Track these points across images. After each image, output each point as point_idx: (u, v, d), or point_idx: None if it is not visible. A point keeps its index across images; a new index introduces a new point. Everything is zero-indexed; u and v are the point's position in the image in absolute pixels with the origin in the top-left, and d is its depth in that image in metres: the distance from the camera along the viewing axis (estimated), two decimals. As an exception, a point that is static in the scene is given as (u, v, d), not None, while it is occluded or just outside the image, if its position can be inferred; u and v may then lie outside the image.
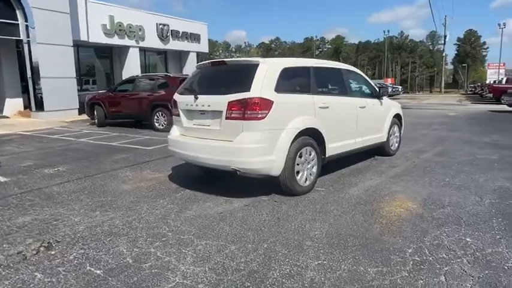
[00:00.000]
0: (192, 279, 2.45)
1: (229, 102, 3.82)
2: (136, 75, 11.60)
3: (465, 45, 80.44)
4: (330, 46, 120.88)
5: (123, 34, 17.12)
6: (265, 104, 3.75)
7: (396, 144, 6.47)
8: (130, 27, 17.40)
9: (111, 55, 18.36)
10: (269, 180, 4.14)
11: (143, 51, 19.08)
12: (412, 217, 3.50)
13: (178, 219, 3.55)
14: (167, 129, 9.85)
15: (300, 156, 4.11)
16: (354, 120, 5.03)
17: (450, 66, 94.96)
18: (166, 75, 10.92)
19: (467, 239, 2.98)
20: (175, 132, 4.63)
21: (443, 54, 43.76)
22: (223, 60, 4.34)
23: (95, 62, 18.29)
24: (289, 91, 4.07)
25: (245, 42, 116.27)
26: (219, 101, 3.94)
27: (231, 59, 4.34)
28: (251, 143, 3.75)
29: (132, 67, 17.78)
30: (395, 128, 6.36)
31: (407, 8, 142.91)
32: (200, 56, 22.96)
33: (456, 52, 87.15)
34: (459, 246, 2.86)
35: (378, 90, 5.81)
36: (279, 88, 3.92)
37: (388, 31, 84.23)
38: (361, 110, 5.19)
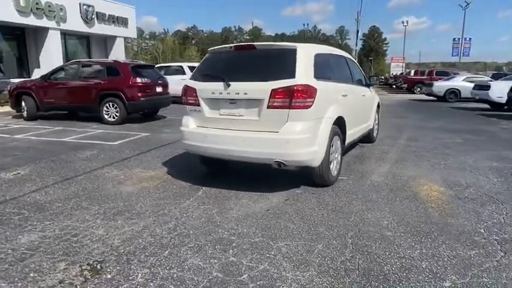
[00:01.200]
0: (312, 286, 2.18)
1: (272, 90, 3.48)
2: (77, 61, 10.05)
3: (370, 40, 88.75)
4: (248, 37, 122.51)
5: (41, 14, 14.68)
6: (311, 92, 3.53)
7: (376, 132, 6.80)
8: (49, 6, 14.99)
9: (24, 37, 15.67)
10: (282, 172, 4.10)
11: (64, 34, 16.71)
12: (451, 199, 3.67)
13: (228, 221, 3.16)
14: (119, 122, 8.90)
15: (332, 146, 4.00)
16: (361, 108, 5.10)
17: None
18: (115, 61, 9.71)
19: (514, 215, 3.24)
20: (191, 124, 4.10)
21: (356, 49, 47.59)
22: (251, 45, 3.92)
23: (2, 45, 15.41)
24: (322, 78, 3.89)
25: (164, 29, 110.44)
26: (259, 89, 3.58)
27: (260, 43, 3.92)
28: (299, 134, 3.50)
29: (52, 52, 15.45)
30: (377, 116, 6.67)
31: (317, 3, 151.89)
32: (128, 41, 21.06)
33: (362, 46, 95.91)
34: (514, 222, 3.09)
35: (368, 79, 5.99)
36: (316, 75, 3.73)
37: (308, 24, 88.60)
38: (362, 98, 5.29)
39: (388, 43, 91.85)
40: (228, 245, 2.72)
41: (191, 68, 15.09)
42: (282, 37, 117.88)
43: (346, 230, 2.96)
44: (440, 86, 17.45)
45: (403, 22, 49.17)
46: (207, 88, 3.91)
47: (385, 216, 3.25)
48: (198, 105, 3.98)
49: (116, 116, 8.95)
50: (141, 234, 2.92)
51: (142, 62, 11.33)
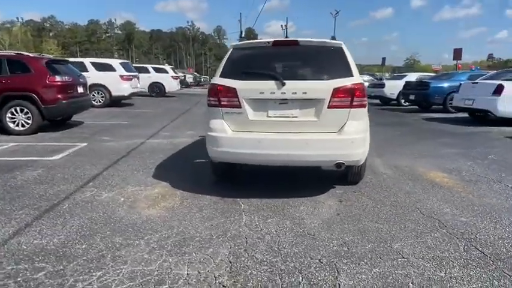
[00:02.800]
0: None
1: (334, 89, 3.31)
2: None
3: (247, 40, 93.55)
4: (120, 31, 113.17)
5: None
6: (365, 90, 3.51)
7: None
8: None
9: None
10: (302, 174, 4.20)
11: None
12: (477, 185, 4.11)
13: (316, 231, 2.89)
14: (32, 131, 7.09)
15: None
16: None
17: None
18: (20, 54, 7.64)
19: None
20: (227, 128, 3.56)
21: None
22: (295, 40, 3.61)
23: None
24: None
25: (18, 18, 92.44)
26: (320, 88, 3.36)
27: (304, 39, 3.60)
28: (360, 133, 3.42)
29: None
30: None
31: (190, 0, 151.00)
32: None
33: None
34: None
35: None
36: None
37: (192, 21, 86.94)
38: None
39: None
40: (354, 257, 2.49)
41: (96, 65, 13.16)
42: (158, 33, 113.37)
43: (428, 218, 3.12)
44: None
45: (281, 26, 52.73)
46: (253, 87, 3.47)
47: (438, 201, 3.56)
48: (239, 107, 3.48)
49: (27, 123, 7.13)
50: (243, 262, 2.42)
51: (52, 57, 9.24)
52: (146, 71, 18.99)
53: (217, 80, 3.62)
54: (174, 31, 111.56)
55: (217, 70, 3.75)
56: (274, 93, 3.41)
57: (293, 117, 3.45)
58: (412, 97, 12.94)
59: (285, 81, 3.38)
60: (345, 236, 2.82)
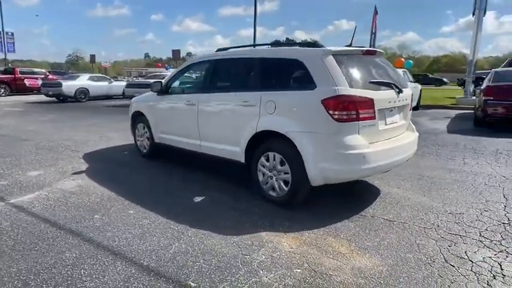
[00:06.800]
0: None
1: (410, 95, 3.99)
2: None
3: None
4: None
5: None
6: None
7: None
8: None
9: None
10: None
11: None
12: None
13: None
14: None
15: None
16: None
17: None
18: None
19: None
20: (366, 143, 3.27)
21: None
22: (375, 50, 3.95)
23: None
24: None
25: None
26: (409, 93, 3.93)
27: (376, 49, 3.98)
28: None
29: None
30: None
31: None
32: None
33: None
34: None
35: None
36: None
37: None
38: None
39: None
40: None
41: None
42: None
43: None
44: (71, 85, 16.66)
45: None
46: (384, 97, 3.49)
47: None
48: (374, 118, 3.34)
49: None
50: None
51: None
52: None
53: (350, 91, 3.20)
54: None
55: (333, 79, 3.21)
56: (395, 102, 3.63)
57: (395, 122, 3.73)
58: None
59: (402, 89, 3.74)
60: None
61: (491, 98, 7.73)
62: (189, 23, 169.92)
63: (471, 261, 2.58)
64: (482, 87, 8.37)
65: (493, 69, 9.82)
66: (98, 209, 3.57)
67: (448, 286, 2.29)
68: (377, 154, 3.33)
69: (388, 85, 3.62)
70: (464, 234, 2.99)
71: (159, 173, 4.90)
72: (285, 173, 3.52)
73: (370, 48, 3.87)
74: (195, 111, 4.46)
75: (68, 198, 3.88)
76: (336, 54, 3.37)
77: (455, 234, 3.00)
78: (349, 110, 3.17)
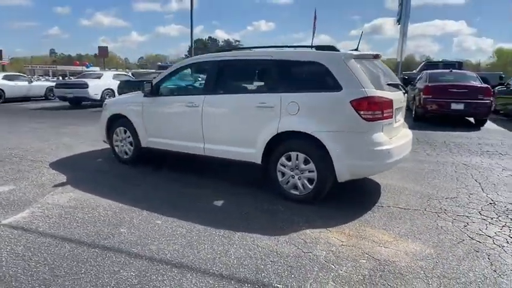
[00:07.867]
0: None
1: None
2: None
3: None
4: None
5: None
6: None
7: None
8: None
9: None
10: None
11: None
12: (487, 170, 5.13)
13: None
14: None
15: None
16: None
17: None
18: None
19: None
20: (387, 139, 3.61)
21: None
22: (378, 54, 4.16)
23: None
24: None
25: None
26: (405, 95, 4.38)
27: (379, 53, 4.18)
28: None
29: None
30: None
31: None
32: None
33: None
34: None
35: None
36: None
37: None
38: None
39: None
40: None
41: None
42: None
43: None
44: None
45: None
46: (397, 97, 3.88)
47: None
48: (392, 117, 3.74)
49: None
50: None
51: None
52: None
53: (377, 92, 3.51)
54: None
55: (359, 81, 3.47)
56: (401, 101, 4.11)
57: (399, 120, 4.14)
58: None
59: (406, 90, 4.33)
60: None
61: (430, 96, 8.91)
62: (100, 18, 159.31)
63: (489, 236, 3.05)
64: (420, 87, 9.55)
65: (424, 71, 11.27)
66: (119, 223, 3.28)
67: (488, 257, 2.69)
68: (395, 149, 3.66)
69: (397, 86, 4.07)
70: (468, 215, 3.50)
71: (156, 179, 4.62)
72: (310, 172, 3.66)
73: (378, 53, 4.18)
74: (199, 113, 4.33)
75: (73, 214, 3.47)
76: (356, 58, 3.65)
77: (463, 215, 3.49)
78: (376, 110, 3.47)
